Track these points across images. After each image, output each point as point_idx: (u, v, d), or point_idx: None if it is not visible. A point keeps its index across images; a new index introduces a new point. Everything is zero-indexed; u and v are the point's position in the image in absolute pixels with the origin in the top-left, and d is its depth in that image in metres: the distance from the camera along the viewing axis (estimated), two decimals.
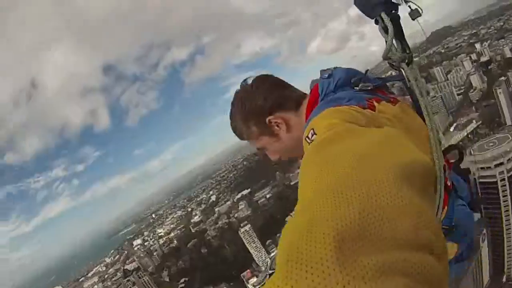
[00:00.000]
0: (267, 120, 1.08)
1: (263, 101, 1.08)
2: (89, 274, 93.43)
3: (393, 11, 1.17)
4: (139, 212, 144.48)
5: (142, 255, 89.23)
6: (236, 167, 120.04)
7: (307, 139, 0.77)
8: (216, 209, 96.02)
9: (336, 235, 0.34)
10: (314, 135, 0.75)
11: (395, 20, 1.15)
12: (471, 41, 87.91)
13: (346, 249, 0.33)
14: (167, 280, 79.28)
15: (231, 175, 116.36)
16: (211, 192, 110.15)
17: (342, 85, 0.99)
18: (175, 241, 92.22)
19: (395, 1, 1.18)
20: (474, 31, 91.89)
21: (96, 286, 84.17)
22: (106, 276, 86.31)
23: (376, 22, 1.22)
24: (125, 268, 78.88)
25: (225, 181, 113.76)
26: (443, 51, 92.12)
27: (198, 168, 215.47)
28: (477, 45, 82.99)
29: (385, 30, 1.18)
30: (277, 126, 1.09)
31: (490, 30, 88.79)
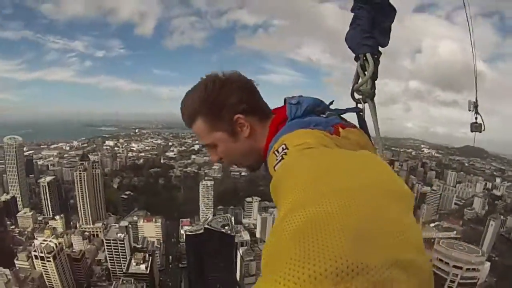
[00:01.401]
0: (235, 117, 1.03)
1: (237, 99, 1.03)
2: (52, 146, 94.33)
3: (376, 56, 1.32)
4: (126, 121, 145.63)
5: (107, 154, 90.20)
6: None
7: (276, 152, 0.80)
8: (193, 157, 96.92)
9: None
10: (286, 150, 0.78)
11: (376, 64, 1.31)
12: (494, 173, 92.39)
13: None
14: (115, 186, 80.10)
15: None
16: (197, 142, 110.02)
17: (309, 112, 1.03)
18: (141, 161, 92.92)
19: (381, 51, 1.35)
20: (503, 168, 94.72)
21: (52, 158, 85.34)
22: (65, 155, 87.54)
23: (356, 60, 1.36)
24: (86, 153, 79.07)
25: None
26: (466, 164, 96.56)
27: None
28: (498, 179, 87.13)
29: (362, 68, 1.33)
30: (240, 128, 1.05)
31: None
